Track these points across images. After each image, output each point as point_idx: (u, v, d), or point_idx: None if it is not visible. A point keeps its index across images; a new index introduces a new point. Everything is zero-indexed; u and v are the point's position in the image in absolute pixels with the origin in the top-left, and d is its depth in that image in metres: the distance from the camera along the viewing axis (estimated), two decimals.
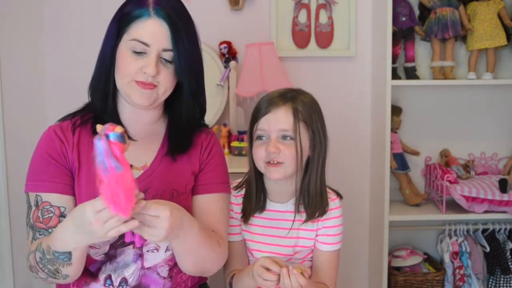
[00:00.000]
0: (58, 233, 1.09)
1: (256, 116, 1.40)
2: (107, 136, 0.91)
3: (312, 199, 1.40)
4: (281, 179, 1.39)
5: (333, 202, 1.45)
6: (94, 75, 1.26)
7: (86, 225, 0.99)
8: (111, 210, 0.94)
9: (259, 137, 1.39)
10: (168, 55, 1.19)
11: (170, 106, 1.32)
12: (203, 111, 1.36)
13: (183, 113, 1.30)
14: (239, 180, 1.51)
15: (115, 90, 1.25)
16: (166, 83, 1.21)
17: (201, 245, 1.21)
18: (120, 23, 1.20)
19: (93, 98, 1.27)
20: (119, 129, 0.93)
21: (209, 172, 1.32)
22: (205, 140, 1.34)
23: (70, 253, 1.09)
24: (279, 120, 1.36)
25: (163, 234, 1.06)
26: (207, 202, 1.32)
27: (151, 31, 1.17)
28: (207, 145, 1.34)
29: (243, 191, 1.47)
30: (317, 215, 1.42)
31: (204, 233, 1.22)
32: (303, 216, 1.43)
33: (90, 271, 1.24)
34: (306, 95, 1.42)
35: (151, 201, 1.05)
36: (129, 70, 1.18)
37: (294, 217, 1.42)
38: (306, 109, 1.37)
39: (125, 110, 1.28)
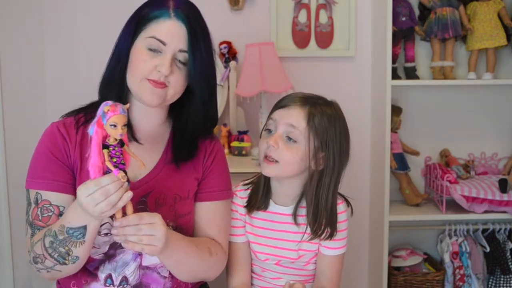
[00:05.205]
0: (70, 210, 1.10)
1: (273, 109, 1.39)
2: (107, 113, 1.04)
3: (318, 217, 1.36)
4: (273, 177, 1.38)
5: (338, 206, 1.42)
6: (106, 74, 1.25)
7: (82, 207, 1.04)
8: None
9: (268, 130, 1.37)
10: (183, 57, 1.19)
11: (176, 111, 1.31)
12: (213, 124, 1.36)
13: (190, 121, 1.30)
14: (247, 180, 1.48)
15: (127, 90, 1.24)
16: (177, 85, 1.21)
17: (188, 257, 1.22)
18: (137, 24, 1.20)
19: (105, 98, 1.23)
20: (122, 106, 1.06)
21: (212, 180, 1.33)
22: (209, 146, 1.35)
23: (85, 227, 1.09)
24: (290, 116, 1.32)
25: (163, 238, 1.10)
26: (210, 210, 1.33)
27: (169, 31, 1.17)
28: (211, 151, 1.34)
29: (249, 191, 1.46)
30: (324, 235, 1.37)
31: (191, 245, 1.23)
32: (306, 230, 1.39)
33: (90, 270, 1.23)
34: (329, 106, 1.35)
35: (140, 213, 1.09)
36: (142, 68, 1.18)
37: (294, 220, 1.40)
38: (322, 121, 1.32)
39: (134, 110, 1.27)
